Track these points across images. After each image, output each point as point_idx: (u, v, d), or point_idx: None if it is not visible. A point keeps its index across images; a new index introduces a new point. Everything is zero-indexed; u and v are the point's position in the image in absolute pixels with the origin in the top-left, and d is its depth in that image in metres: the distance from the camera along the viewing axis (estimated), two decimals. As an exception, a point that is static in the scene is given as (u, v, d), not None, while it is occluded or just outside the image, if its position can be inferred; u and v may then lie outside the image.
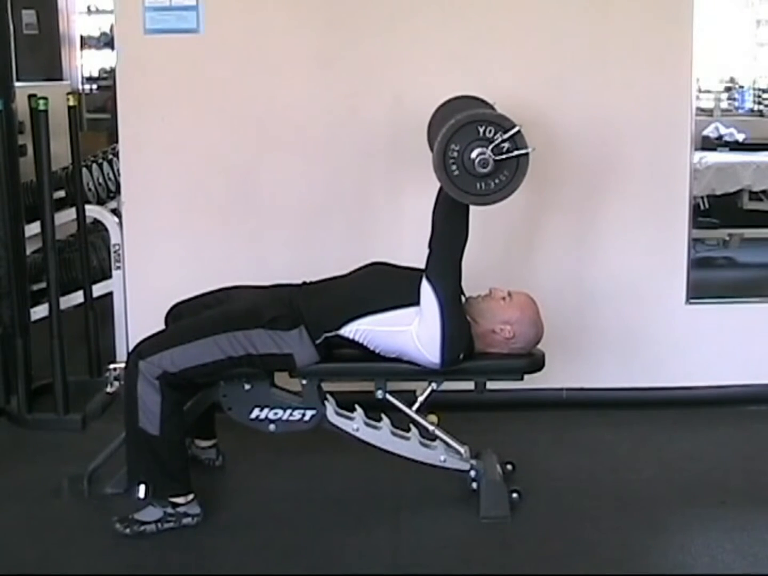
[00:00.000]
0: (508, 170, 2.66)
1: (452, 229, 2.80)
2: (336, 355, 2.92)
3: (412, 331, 2.81)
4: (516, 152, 2.65)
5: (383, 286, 2.93)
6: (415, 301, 2.81)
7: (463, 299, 2.92)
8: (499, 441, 3.25)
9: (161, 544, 2.77)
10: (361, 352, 2.89)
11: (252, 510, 2.98)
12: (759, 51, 7.47)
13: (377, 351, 2.88)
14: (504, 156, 2.64)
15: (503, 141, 2.63)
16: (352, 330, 2.85)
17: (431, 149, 2.97)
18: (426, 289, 2.78)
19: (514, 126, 2.65)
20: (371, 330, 2.84)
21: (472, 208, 2.78)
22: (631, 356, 3.75)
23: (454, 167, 2.65)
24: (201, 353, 2.80)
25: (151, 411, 2.75)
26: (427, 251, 2.83)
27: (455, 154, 2.65)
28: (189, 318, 2.98)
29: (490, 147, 2.63)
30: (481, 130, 2.64)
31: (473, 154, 2.63)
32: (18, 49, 4.12)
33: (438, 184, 2.74)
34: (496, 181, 2.66)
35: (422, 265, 2.92)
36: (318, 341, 2.86)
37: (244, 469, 3.26)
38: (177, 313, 3.08)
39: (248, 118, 3.62)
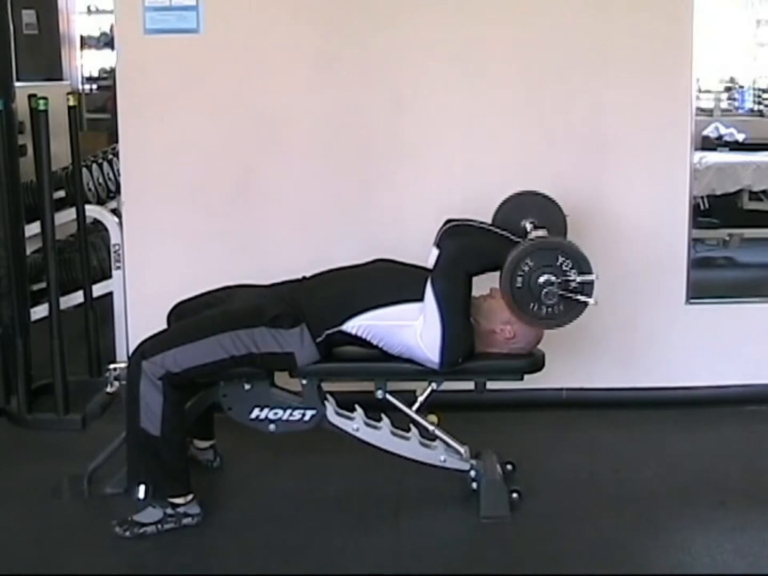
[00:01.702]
0: (564, 306, 2.72)
1: (480, 258, 2.84)
2: (336, 354, 2.92)
3: (416, 327, 2.81)
4: (580, 297, 2.70)
5: (388, 282, 2.93)
6: (419, 298, 2.81)
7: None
8: (499, 441, 3.25)
9: (161, 544, 2.77)
10: (364, 347, 2.89)
11: (252, 510, 2.98)
12: (759, 51, 7.47)
13: (381, 345, 2.87)
14: (568, 295, 2.69)
15: (574, 281, 2.69)
16: (355, 325, 2.85)
17: (494, 220, 3.06)
18: (429, 293, 2.78)
19: (591, 272, 2.70)
20: (374, 325, 2.84)
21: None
22: (631, 356, 3.75)
23: (519, 279, 2.71)
24: (204, 353, 2.80)
25: (153, 411, 2.75)
26: (431, 249, 2.84)
27: (526, 268, 2.70)
28: (191, 317, 2.98)
29: (560, 278, 2.68)
30: (561, 260, 2.70)
31: (541, 279, 2.69)
32: (18, 49, 4.13)
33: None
34: (548, 311, 2.72)
35: (424, 263, 2.93)
36: (319, 339, 2.86)
37: (243, 469, 3.25)
38: (179, 313, 3.08)
39: (248, 118, 3.62)
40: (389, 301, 2.85)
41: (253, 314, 2.86)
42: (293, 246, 3.66)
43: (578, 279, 2.69)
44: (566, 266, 2.70)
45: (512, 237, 2.90)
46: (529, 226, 3.05)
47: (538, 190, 3.17)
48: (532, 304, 2.72)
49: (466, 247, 2.86)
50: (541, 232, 2.94)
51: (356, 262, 3.05)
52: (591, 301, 2.71)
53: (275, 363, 2.89)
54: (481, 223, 3.04)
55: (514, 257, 2.70)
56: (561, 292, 2.69)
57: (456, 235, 2.92)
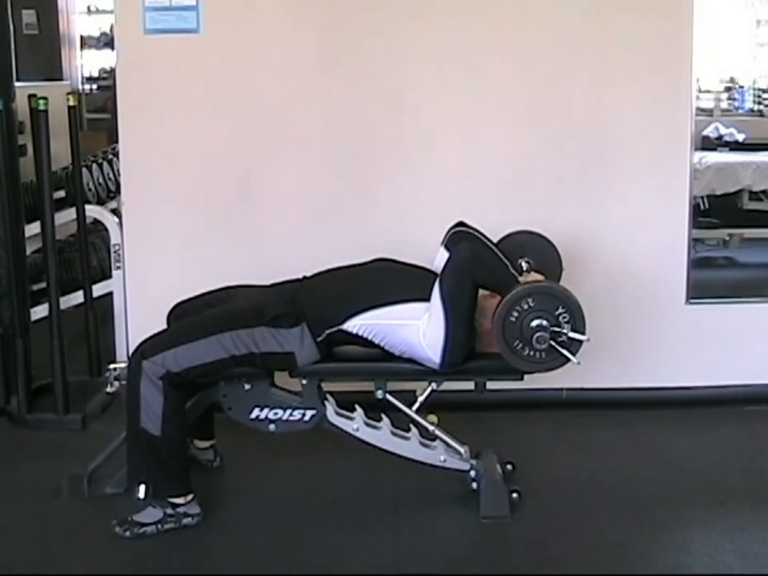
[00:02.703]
0: (547, 354, 2.74)
1: (483, 277, 2.84)
2: (336, 354, 2.92)
3: (419, 327, 2.81)
4: (564, 352, 2.72)
5: (388, 281, 2.93)
6: (421, 297, 2.81)
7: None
8: (499, 441, 3.26)
9: (161, 544, 2.77)
10: (365, 347, 2.89)
11: (252, 510, 2.99)
12: (759, 51, 7.48)
13: (382, 344, 2.87)
14: (555, 345, 2.71)
15: (566, 335, 2.71)
16: (356, 324, 2.85)
17: (496, 249, 3.03)
18: (436, 293, 2.78)
19: (584, 332, 2.72)
20: (376, 324, 2.84)
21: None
22: (631, 356, 3.75)
23: (515, 314, 2.72)
24: (204, 352, 2.80)
25: (153, 411, 2.75)
26: (430, 249, 2.83)
27: (526, 306, 2.71)
28: (191, 317, 2.98)
29: (552, 329, 2.70)
30: (561, 310, 2.72)
31: (534, 323, 2.71)
32: (18, 49, 4.12)
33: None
34: (533, 354, 2.74)
35: (424, 263, 2.92)
36: (319, 338, 2.86)
37: (243, 469, 3.26)
38: (179, 313, 3.07)
39: (248, 118, 3.62)
40: (390, 301, 2.85)
41: (253, 314, 2.86)
42: (293, 246, 3.66)
43: (570, 334, 2.72)
44: (563, 318, 2.72)
45: (513, 270, 2.91)
46: (525, 266, 3.09)
47: (539, 232, 3.21)
48: (517, 342, 2.74)
49: (481, 256, 2.87)
50: (538, 276, 2.99)
51: (356, 262, 3.05)
52: (574, 360, 2.74)
53: (275, 363, 2.89)
54: (492, 243, 3.05)
55: (519, 291, 2.73)
56: (550, 341, 2.71)
57: (471, 242, 2.91)
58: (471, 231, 3.05)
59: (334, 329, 2.86)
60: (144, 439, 2.77)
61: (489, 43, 3.59)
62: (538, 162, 3.63)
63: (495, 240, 3.13)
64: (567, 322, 2.72)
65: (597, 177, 3.65)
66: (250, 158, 3.65)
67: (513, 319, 2.72)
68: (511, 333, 2.73)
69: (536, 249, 3.16)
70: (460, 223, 3.09)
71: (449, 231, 3.07)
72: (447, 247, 3.00)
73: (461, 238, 2.98)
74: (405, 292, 2.85)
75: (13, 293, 3.68)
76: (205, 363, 2.80)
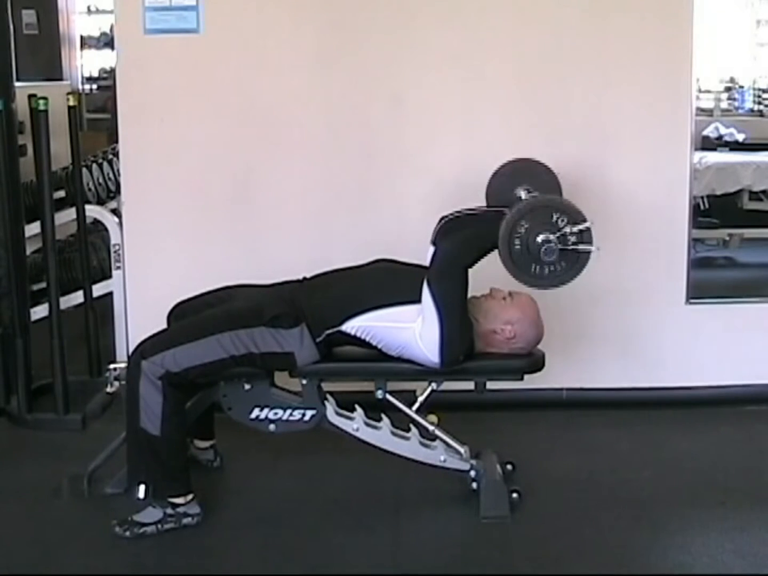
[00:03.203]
0: (566, 262, 2.71)
1: (471, 248, 2.82)
2: (336, 354, 2.92)
3: (415, 329, 2.81)
4: (580, 247, 2.69)
5: (387, 282, 2.93)
6: (417, 299, 2.81)
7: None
8: (499, 441, 3.26)
9: (161, 544, 2.77)
10: (364, 348, 2.89)
11: (252, 510, 2.98)
12: (759, 51, 7.48)
13: (380, 346, 2.87)
14: (568, 248, 2.68)
15: (572, 233, 2.68)
16: (354, 326, 2.85)
17: (486, 198, 3.04)
18: (426, 293, 2.78)
19: (585, 220, 2.69)
20: (374, 326, 2.84)
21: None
22: (631, 356, 3.75)
23: (517, 242, 2.69)
24: (203, 352, 2.80)
25: (153, 411, 2.75)
26: (426, 251, 2.84)
27: (522, 230, 2.68)
28: (191, 317, 2.98)
29: (557, 235, 2.67)
30: (555, 217, 2.69)
31: (539, 238, 2.67)
32: (18, 49, 4.12)
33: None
34: (551, 268, 2.71)
35: (424, 263, 2.92)
36: (319, 339, 2.86)
37: (243, 469, 3.25)
38: (179, 312, 3.07)
39: (248, 118, 3.62)
40: (389, 302, 2.84)
41: (253, 314, 2.86)
42: (293, 246, 3.66)
43: (574, 229, 2.68)
44: (561, 222, 2.68)
45: (504, 209, 2.85)
46: (523, 194, 3.04)
47: (530, 157, 3.16)
48: (533, 266, 2.70)
49: (459, 242, 2.85)
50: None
51: (356, 262, 3.05)
52: (593, 248, 2.69)
53: (275, 363, 2.89)
54: (471, 209, 3.02)
55: (509, 221, 2.68)
56: (561, 247, 2.67)
57: (448, 233, 2.90)
58: (449, 218, 3.03)
59: (333, 330, 2.86)
60: (144, 439, 2.77)
61: (489, 43, 3.59)
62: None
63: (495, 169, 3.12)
64: (567, 223, 2.68)
65: (597, 177, 3.65)
66: (250, 158, 3.65)
67: (518, 247, 2.69)
68: (524, 262, 2.70)
69: (529, 173, 3.11)
70: (442, 218, 3.07)
71: (435, 229, 3.06)
72: (433, 244, 3.00)
73: (440, 234, 2.97)
74: (403, 294, 2.85)
75: (13, 293, 3.68)
76: (204, 363, 2.80)
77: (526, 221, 2.68)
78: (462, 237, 2.86)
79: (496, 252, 2.98)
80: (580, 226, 2.69)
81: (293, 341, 2.84)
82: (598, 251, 2.70)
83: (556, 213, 2.69)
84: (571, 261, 2.71)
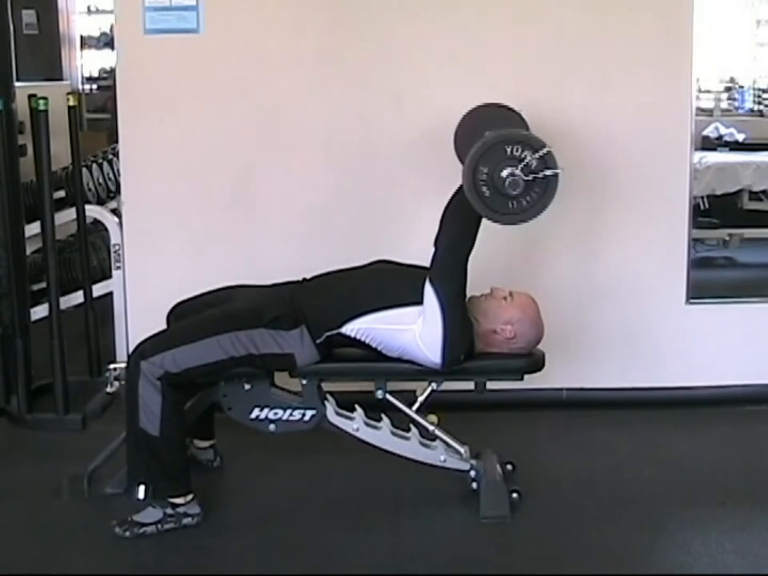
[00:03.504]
0: (539, 187, 2.68)
1: (462, 233, 2.81)
2: (336, 354, 2.92)
3: (414, 331, 2.81)
4: (546, 172, 2.66)
5: (386, 284, 2.93)
6: (417, 300, 2.81)
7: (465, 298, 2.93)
8: (499, 441, 3.25)
9: (161, 544, 2.77)
10: (363, 350, 2.89)
11: (252, 510, 2.98)
12: (759, 51, 7.48)
13: (380, 348, 2.87)
14: (534, 176, 2.65)
15: (533, 161, 2.65)
16: (354, 328, 2.85)
17: (460, 160, 2.97)
18: (429, 292, 2.78)
19: (543, 146, 2.66)
20: (373, 328, 2.84)
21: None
22: (632, 356, 3.75)
23: (484, 188, 2.67)
24: (203, 353, 2.80)
25: (152, 411, 2.75)
26: (431, 249, 2.83)
27: (484, 176, 2.66)
28: (191, 317, 2.98)
29: (520, 167, 2.64)
30: (509, 150, 2.66)
31: (503, 174, 2.65)
32: (18, 49, 4.12)
33: (454, 187, 2.74)
34: (528, 199, 2.68)
35: (425, 263, 2.92)
36: (319, 340, 2.86)
37: (243, 469, 3.25)
38: (179, 313, 3.07)
39: (248, 118, 3.62)
40: (388, 304, 2.84)
41: (252, 315, 2.86)
42: (293, 246, 3.66)
43: (535, 156, 2.64)
44: (517, 151, 2.65)
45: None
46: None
47: (493, 102, 3.15)
48: (510, 203, 2.67)
49: (451, 233, 2.82)
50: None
51: (356, 262, 3.05)
52: (558, 170, 2.66)
53: (275, 364, 2.89)
54: (457, 190, 2.95)
55: (467, 174, 2.66)
56: (527, 178, 2.64)
57: (442, 228, 2.86)
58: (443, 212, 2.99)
59: (333, 332, 2.86)
60: (143, 439, 2.77)
61: (489, 43, 3.59)
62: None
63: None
64: (525, 152, 2.65)
65: (597, 177, 3.65)
66: (249, 158, 3.65)
67: (487, 194, 2.66)
68: (499, 203, 2.67)
69: (495, 118, 3.07)
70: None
71: None
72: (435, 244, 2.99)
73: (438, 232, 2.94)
74: (402, 296, 2.85)
75: (13, 293, 3.68)
76: (204, 364, 2.80)
77: (483, 165, 2.65)
78: (451, 226, 2.83)
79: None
80: (540, 152, 2.65)
81: (293, 342, 2.84)
82: (562, 170, 2.67)
83: (509, 146, 2.65)
84: (542, 186, 2.67)
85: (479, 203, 2.67)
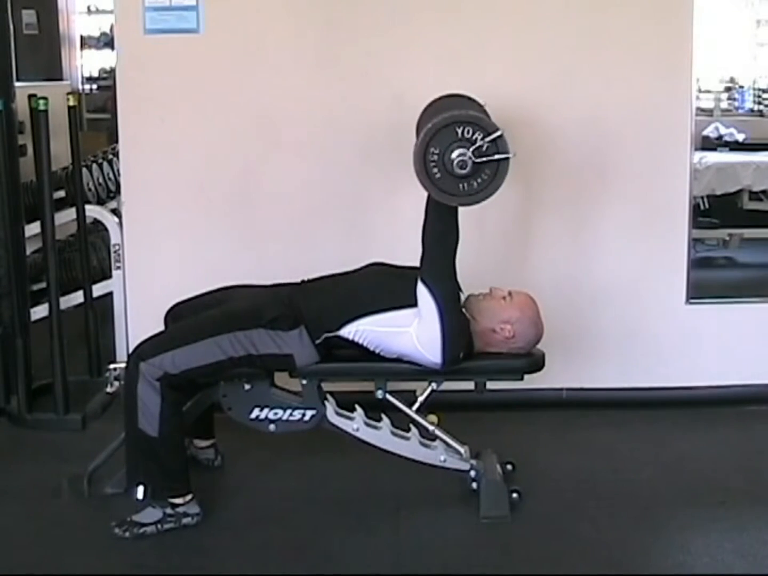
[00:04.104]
0: (489, 169, 2.66)
1: (443, 229, 2.80)
2: (336, 355, 2.92)
3: (411, 333, 2.81)
4: (496, 156, 2.64)
5: (382, 287, 2.92)
6: (413, 303, 2.81)
7: (463, 297, 2.93)
8: (499, 441, 3.25)
9: (161, 544, 2.77)
10: (362, 352, 2.89)
11: (252, 510, 2.98)
12: (759, 51, 7.48)
13: (377, 351, 2.87)
14: (484, 159, 2.63)
15: (484, 144, 2.63)
16: (352, 331, 2.85)
17: (417, 129, 2.95)
18: (422, 291, 2.78)
19: (496, 130, 2.65)
20: (371, 331, 2.84)
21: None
22: (631, 356, 3.75)
23: (435, 170, 2.66)
24: (202, 354, 2.80)
25: (151, 412, 2.75)
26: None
27: (435, 157, 2.65)
28: (189, 318, 2.98)
29: (471, 149, 2.63)
30: (459, 131, 2.64)
31: (453, 155, 2.63)
32: (18, 49, 4.12)
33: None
34: (479, 180, 2.66)
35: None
36: (318, 341, 2.86)
37: (243, 469, 3.25)
38: (176, 313, 3.07)
39: (248, 118, 3.62)
40: (385, 307, 2.84)
41: (251, 316, 2.86)
42: (293, 246, 3.66)
43: (487, 140, 2.62)
44: (468, 133, 2.63)
45: None
46: None
47: (455, 92, 3.14)
48: (460, 185, 2.65)
49: (436, 231, 2.81)
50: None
51: (356, 262, 3.05)
52: (510, 154, 2.64)
53: (274, 364, 2.89)
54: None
55: (417, 154, 2.65)
56: (477, 160, 2.62)
57: (424, 226, 2.84)
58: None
59: (332, 334, 2.86)
60: (142, 440, 2.77)
61: (489, 43, 3.59)
62: (538, 161, 3.62)
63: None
64: (475, 133, 2.63)
65: (596, 176, 3.65)
66: (249, 158, 3.65)
67: (438, 175, 2.65)
68: (450, 184, 2.65)
69: (458, 106, 3.00)
70: None
71: None
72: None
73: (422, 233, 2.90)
74: (398, 298, 2.84)
75: (13, 293, 3.68)
76: (203, 365, 2.80)
77: (433, 146, 2.64)
78: (431, 223, 2.82)
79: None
80: (492, 136, 2.63)
81: (292, 343, 2.84)
82: (515, 156, 2.65)
83: (459, 127, 2.64)
84: (492, 168, 2.65)
85: (429, 185, 2.66)
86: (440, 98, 3.14)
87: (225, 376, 2.90)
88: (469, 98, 3.10)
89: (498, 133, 2.64)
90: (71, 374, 3.69)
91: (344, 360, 2.93)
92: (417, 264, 2.91)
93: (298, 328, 2.85)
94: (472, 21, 3.57)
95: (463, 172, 2.62)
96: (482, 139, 2.63)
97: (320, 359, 2.88)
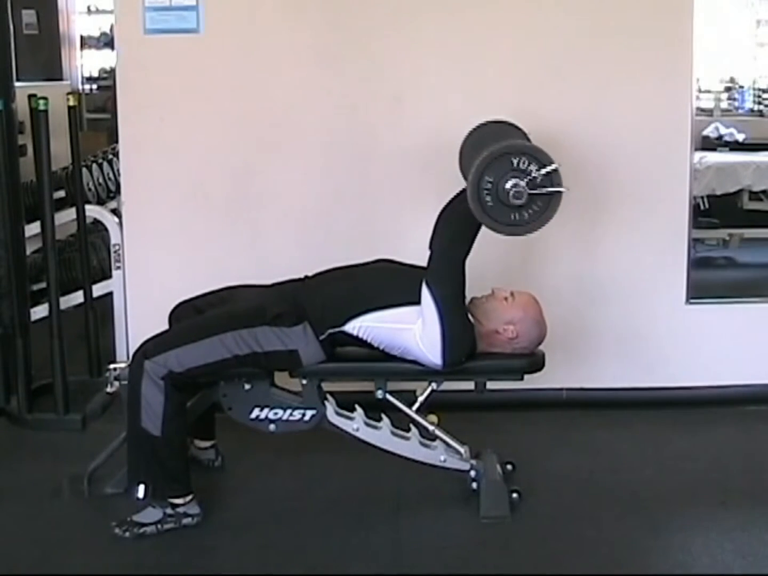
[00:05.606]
0: (542, 201, 2.68)
1: (457, 237, 2.81)
2: (337, 354, 2.92)
3: (415, 331, 2.81)
4: (550, 189, 2.66)
5: (388, 283, 2.93)
6: (418, 300, 2.81)
7: (466, 300, 2.92)
8: (499, 441, 3.25)
9: (161, 544, 2.77)
10: (366, 348, 2.89)
11: (252, 510, 2.98)
12: (759, 51, 7.48)
13: (381, 347, 2.87)
14: (537, 191, 2.65)
15: (539, 176, 2.65)
16: (356, 326, 2.85)
17: (464, 176, 2.96)
18: (426, 294, 2.78)
19: (551, 162, 2.66)
20: (375, 327, 2.84)
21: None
22: (631, 356, 3.75)
23: (488, 198, 2.67)
24: (207, 352, 2.80)
25: (154, 411, 2.75)
26: (427, 251, 2.83)
27: (489, 185, 2.66)
28: (193, 317, 2.98)
29: (525, 180, 2.64)
30: (515, 161, 2.66)
31: (507, 185, 2.64)
32: (18, 49, 4.12)
33: (454, 187, 2.73)
34: (530, 212, 2.68)
35: (424, 263, 2.92)
36: (322, 337, 2.86)
37: (244, 469, 3.25)
38: (180, 313, 3.07)
39: (248, 118, 3.62)
40: (390, 303, 2.84)
41: (255, 313, 2.86)
42: (293, 246, 3.66)
43: (541, 171, 2.64)
44: (524, 165, 2.65)
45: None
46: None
47: (499, 118, 3.14)
48: (512, 215, 2.67)
49: (447, 236, 2.82)
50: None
51: (356, 262, 3.05)
52: (563, 189, 2.66)
53: (280, 361, 2.88)
54: (457, 194, 2.93)
55: (473, 182, 2.66)
56: (530, 191, 2.64)
57: (435, 232, 2.86)
58: (439, 215, 2.95)
59: (336, 330, 2.86)
60: (144, 439, 2.77)
61: (489, 43, 3.59)
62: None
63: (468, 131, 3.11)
64: (530, 165, 2.65)
65: (596, 176, 3.65)
66: (250, 158, 3.65)
67: (490, 203, 2.66)
68: (502, 213, 2.66)
69: (500, 134, 3.04)
70: None
71: None
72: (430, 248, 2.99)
73: (433, 234, 2.90)
74: (403, 295, 2.84)
75: (13, 293, 3.68)
76: (208, 363, 2.80)
77: (488, 175, 2.65)
78: (447, 230, 2.83)
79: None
80: (547, 169, 2.65)
81: (297, 339, 2.84)
82: (567, 190, 2.67)
83: (515, 157, 2.65)
84: (544, 202, 2.68)
85: (481, 212, 2.67)
86: (486, 123, 3.14)
87: (226, 376, 2.90)
88: (516, 126, 3.11)
89: (553, 167, 2.66)
90: (71, 374, 3.69)
91: (345, 360, 2.93)
92: (419, 262, 2.91)
93: (302, 324, 2.84)
94: (473, 22, 3.57)
95: (519, 202, 2.64)
96: (537, 171, 2.65)
97: (326, 358, 2.87)
